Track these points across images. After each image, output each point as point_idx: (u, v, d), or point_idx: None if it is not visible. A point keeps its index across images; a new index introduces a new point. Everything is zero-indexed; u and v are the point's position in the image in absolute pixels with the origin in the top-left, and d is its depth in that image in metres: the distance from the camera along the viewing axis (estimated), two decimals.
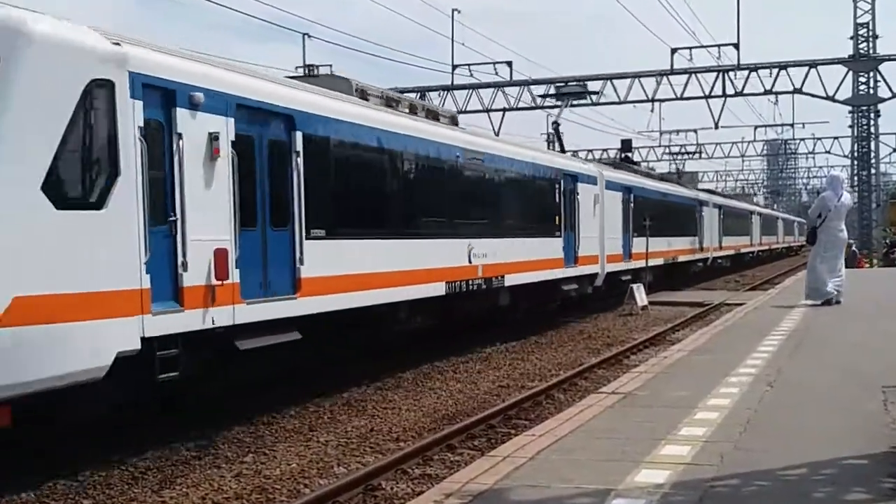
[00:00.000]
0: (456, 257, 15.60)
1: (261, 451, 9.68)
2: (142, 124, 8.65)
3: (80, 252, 7.90)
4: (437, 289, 14.85)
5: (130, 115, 8.52)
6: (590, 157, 57.47)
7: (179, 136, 9.18)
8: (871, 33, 39.38)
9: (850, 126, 42.40)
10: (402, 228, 13.98)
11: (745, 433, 7.09)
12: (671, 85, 38.35)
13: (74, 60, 8.10)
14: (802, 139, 68.39)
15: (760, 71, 37.87)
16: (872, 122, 40.68)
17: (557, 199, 21.05)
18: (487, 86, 39.86)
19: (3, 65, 7.60)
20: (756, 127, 61.38)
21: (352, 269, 12.22)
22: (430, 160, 15.00)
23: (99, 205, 8.14)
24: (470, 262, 16.13)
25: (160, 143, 9.02)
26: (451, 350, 16.86)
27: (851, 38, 39.29)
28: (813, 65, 37.52)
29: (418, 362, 15.50)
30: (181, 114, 9.22)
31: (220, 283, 9.53)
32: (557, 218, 20.96)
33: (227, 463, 9.27)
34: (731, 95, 38.49)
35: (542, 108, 40.84)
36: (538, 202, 20.13)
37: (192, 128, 9.36)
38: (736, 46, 37.36)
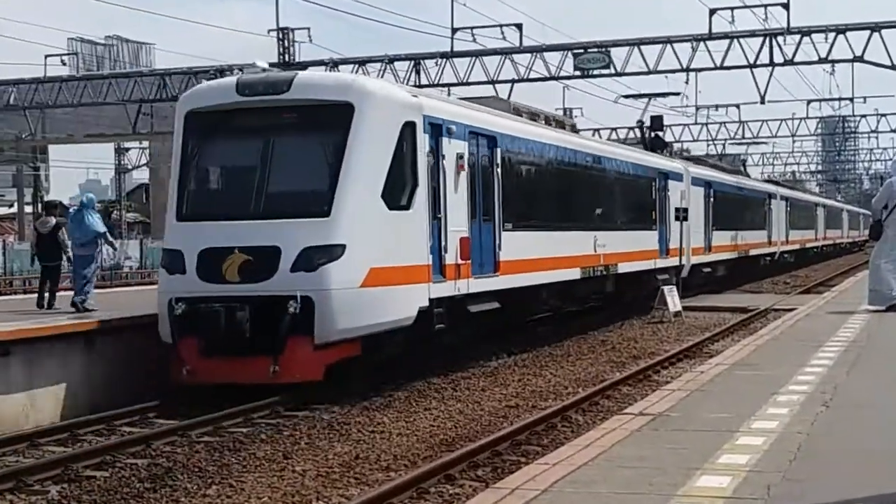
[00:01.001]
0: (588, 247, 21.84)
1: (226, 482, 9.69)
2: (427, 150, 14.71)
3: (400, 238, 13.93)
4: (576, 273, 21.19)
5: (423, 145, 14.57)
6: (613, 136, 57.47)
7: (443, 157, 15.21)
8: None
9: None
10: (555, 222, 20.31)
11: (795, 461, 7.09)
12: (709, 52, 38.32)
13: (396, 109, 14.21)
14: (864, 116, 67.47)
15: (814, 35, 37.85)
16: None
17: (653, 196, 27.55)
18: (493, 52, 39.88)
19: (357, 113, 13.54)
20: (809, 102, 61.05)
21: (527, 255, 18.35)
22: (570, 164, 21.50)
23: (408, 206, 14.19)
24: (595, 251, 22.20)
25: (434, 162, 14.99)
26: (450, 364, 16.87)
27: None
28: (876, 28, 37.49)
29: (411, 378, 15.51)
30: (444, 141, 15.28)
31: (463, 262, 15.64)
32: (654, 213, 27.40)
33: (186, 496, 9.28)
34: (779, 64, 38.47)
35: (558, 78, 40.87)
36: (641, 199, 26.82)
37: (449, 150, 15.39)
38: (786, 7, 37.36)
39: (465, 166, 15.97)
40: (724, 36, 38.08)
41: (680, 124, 63.73)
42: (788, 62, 38.44)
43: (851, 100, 58.63)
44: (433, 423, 12.59)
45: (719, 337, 21.64)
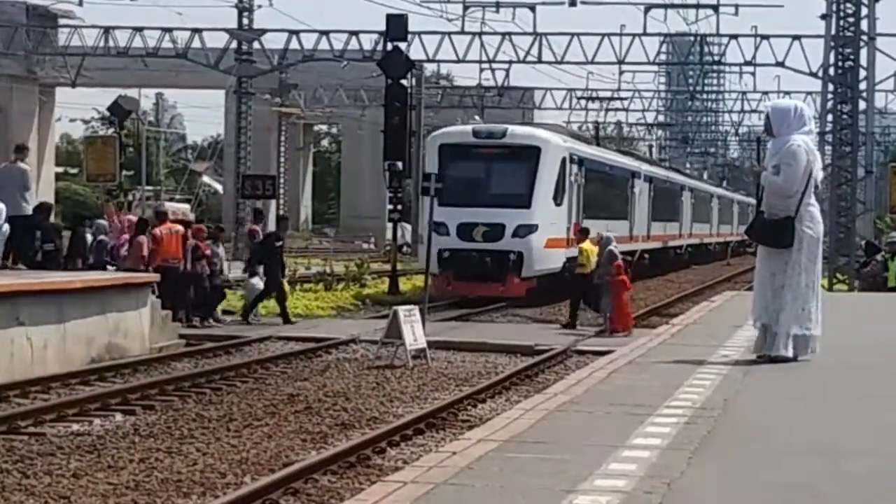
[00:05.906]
0: (618, 230, 56.47)
1: None
2: (567, 171, 54.86)
3: (558, 222, 53.18)
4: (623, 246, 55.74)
5: (567, 168, 54.58)
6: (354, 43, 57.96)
7: (571, 172, 55.69)
8: None
9: (824, 16, 44.51)
10: (605, 212, 60.35)
11: None
12: None
13: (560, 150, 54.61)
14: (734, 36, 68.55)
15: None
16: (865, 14, 42.79)
17: (628, 192, 67.22)
18: None
19: (542, 152, 52.32)
20: (648, 7, 63.11)
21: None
22: (610, 172, 65.97)
23: (561, 204, 53.83)
24: (630, 234, 65.05)
25: (569, 177, 55.20)
26: (19, 423, 16.62)
27: None
28: None
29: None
30: (573, 167, 56.34)
31: (573, 237, 48.97)
32: (627, 206, 65.98)
33: None
34: None
35: None
36: (623, 194, 66.82)
37: (572, 170, 55.82)
38: None
39: (578, 179, 52.54)
40: None
41: (437, 32, 64.34)
42: None
43: (716, 8, 60.68)
44: None
45: (486, 395, 22.28)
